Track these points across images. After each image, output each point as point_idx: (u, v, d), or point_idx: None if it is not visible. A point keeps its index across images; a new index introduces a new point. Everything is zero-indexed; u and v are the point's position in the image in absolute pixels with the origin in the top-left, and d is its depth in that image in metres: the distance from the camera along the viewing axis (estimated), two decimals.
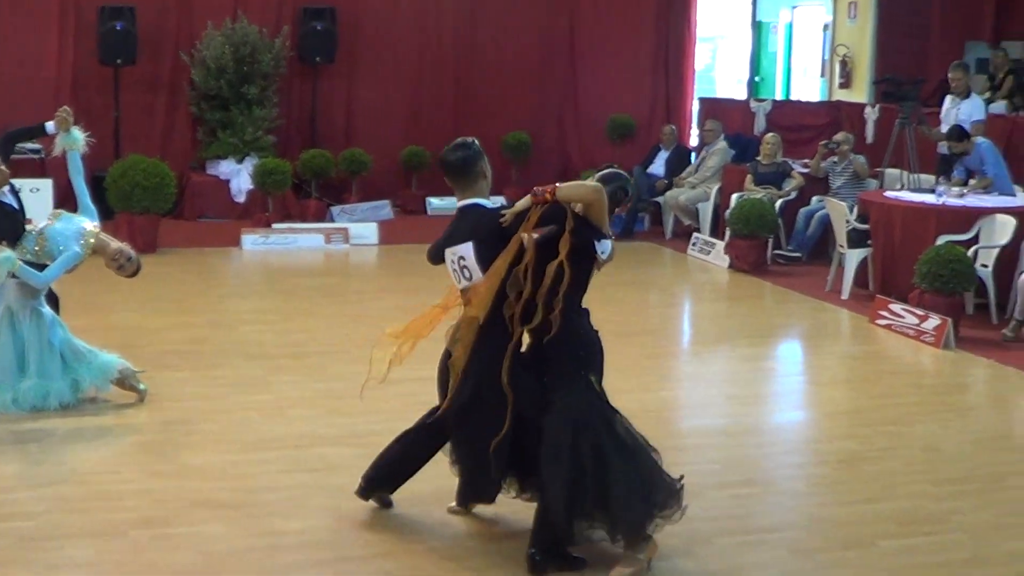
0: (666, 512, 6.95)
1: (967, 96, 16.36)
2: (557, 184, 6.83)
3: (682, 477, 7.11)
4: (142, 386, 9.94)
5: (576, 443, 6.75)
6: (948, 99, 16.59)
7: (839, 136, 17.57)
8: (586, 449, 6.75)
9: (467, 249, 6.99)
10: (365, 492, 7.71)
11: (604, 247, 7.00)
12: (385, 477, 7.71)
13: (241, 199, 19.48)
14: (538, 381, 6.95)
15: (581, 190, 6.85)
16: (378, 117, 20.98)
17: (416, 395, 10.23)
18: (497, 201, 7.38)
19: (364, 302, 14.19)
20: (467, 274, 7.03)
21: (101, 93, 19.19)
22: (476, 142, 7.24)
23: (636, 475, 6.84)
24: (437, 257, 7.37)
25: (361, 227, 18.12)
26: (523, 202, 6.86)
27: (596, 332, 7.00)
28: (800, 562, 7.29)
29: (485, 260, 6.93)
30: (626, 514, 6.77)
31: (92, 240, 9.63)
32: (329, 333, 12.51)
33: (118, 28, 18.82)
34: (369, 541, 7.35)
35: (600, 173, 7.26)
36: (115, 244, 9.70)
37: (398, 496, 7.77)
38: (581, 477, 6.73)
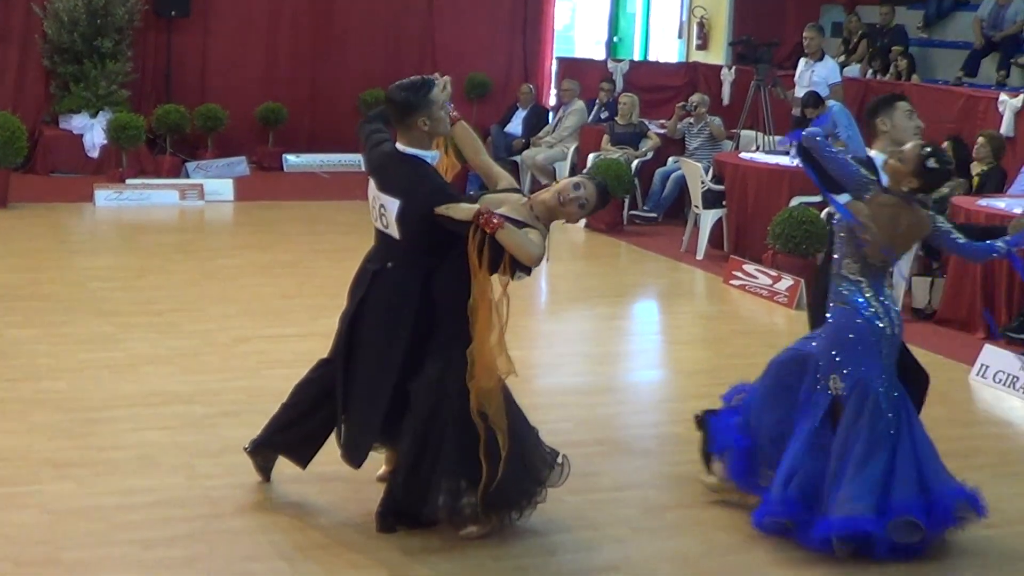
0: (547, 485, 7.01)
1: (820, 58, 16.50)
2: (506, 223, 6.48)
3: (563, 457, 7.15)
4: None
5: (437, 411, 6.74)
6: (802, 61, 16.73)
7: (695, 98, 17.69)
8: (447, 418, 6.72)
9: (392, 204, 6.74)
10: (253, 449, 7.51)
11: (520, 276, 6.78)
12: (282, 444, 7.44)
13: (94, 154, 19.17)
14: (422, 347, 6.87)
15: (521, 252, 6.54)
16: (234, 72, 20.74)
17: (267, 352, 10.26)
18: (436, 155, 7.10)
19: (218, 259, 14.04)
20: (383, 222, 6.84)
21: None
22: (430, 88, 6.79)
23: (512, 447, 6.77)
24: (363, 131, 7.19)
25: (216, 183, 17.90)
26: (465, 213, 6.51)
27: None
28: (651, 520, 7.35)
29: (407, 224, 6.72)
30: (501, 485, 6.74)
31: None
32: (183, 290, 12.37)
33: None
34: (219, 499, 7.28)
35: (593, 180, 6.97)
36: None
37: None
38: (436, 445, 6.73)
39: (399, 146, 6.84)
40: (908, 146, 7.10)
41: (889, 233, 6.95)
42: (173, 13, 19.99)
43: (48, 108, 19.68)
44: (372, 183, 6.93)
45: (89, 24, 19.01)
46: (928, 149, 6.97)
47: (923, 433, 7.13)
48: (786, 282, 12.82)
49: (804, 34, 16.76)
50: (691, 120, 17.37)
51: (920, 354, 11.15)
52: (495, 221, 6.45)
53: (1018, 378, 10.18)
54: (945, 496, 6.96)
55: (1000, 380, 10.33)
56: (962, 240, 7.21)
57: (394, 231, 6.79)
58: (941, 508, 6.92)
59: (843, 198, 7.09)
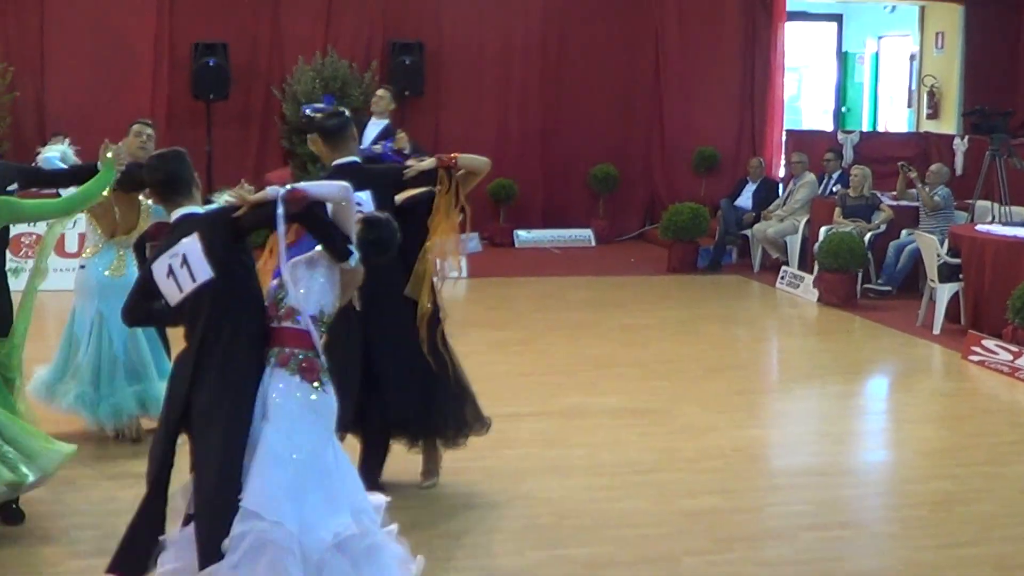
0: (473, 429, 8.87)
1: None
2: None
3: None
4: None
5: None
6: None
7: (934, 167, 17.43)
8: None
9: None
10: None
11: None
12: None
13: None
14: None
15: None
16: (466, 149, 20.55)
17: (503, 432, 10.25)
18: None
19: (453, 336, 14.16)
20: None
21: (193, 127, 19.49)
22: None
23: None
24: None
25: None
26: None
27: None
28: None
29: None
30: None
31: None
32: None
33: (211, 64, 19.14)
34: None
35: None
36: None
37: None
38: None
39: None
40: None
41: None
42: (407, 92, 20.38)
43: None
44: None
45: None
46: None
47: None
48: None
49: None
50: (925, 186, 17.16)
51: None
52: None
53: None
54: None
55: None
56: None
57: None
58: None
59: None
